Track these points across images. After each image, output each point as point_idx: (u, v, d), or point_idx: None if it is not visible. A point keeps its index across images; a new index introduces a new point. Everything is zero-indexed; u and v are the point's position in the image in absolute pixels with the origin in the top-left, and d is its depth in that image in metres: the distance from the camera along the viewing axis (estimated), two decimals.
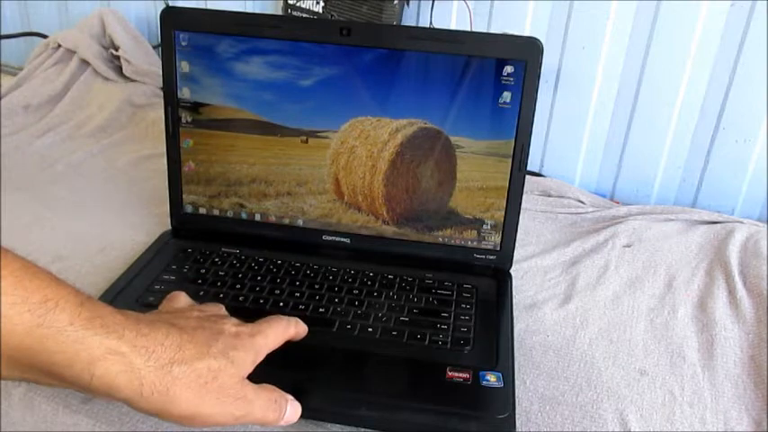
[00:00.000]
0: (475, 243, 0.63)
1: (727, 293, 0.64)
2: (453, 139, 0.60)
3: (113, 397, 0.36)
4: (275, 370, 0.48)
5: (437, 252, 0.63)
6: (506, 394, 0.48)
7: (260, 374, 0.43)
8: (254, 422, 0.41)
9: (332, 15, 0.91)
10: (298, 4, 0.93)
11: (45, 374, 0.35)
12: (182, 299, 0.49)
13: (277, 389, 0.43)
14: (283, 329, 0.47)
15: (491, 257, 0.63)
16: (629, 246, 0.72)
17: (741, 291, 0.64)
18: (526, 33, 0.85)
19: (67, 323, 0.34)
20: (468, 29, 0.86)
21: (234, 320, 0.45)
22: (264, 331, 0.45)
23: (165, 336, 0.38)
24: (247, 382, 0.41)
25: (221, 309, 0.49)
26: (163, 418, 0.38)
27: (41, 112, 0.96)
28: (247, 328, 0.44)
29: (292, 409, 0.43)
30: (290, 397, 0.43)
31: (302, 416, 0.46)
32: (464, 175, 0.61)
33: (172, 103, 0.62)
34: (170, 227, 0.67)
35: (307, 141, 0.62)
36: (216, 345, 0.40)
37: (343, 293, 0.58)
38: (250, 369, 0.42)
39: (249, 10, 1.03)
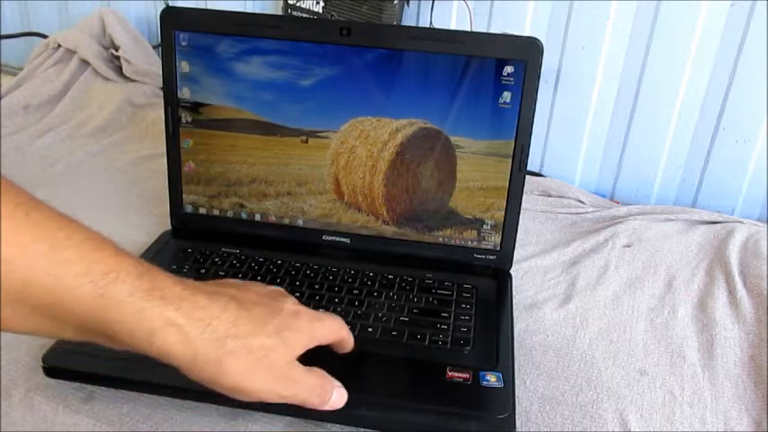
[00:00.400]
0: (475, 243, 0.63)
1: (728, 293, 0.64)
2: (453, 139, 0.60)
3: (169, 362, 0.37)
4: None
5: (437, 252, 0.63)
6: (506, 394, 0.48)
7: None
8: (298, 403, 0.41)
9: (332, 15, 0.91)
10: (298, 4, 0.93)
11: (109, 339, 0.36)
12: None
13: (326, 374, 0.43)
14: (339, 327, 0.46)
15: (491, 257, 0.63)
16: (629, 246, 0.72)
17: (741, 291, 0.64)
18: (526, 33, 0.85)
19: (128, 294, 0.35)
20: (469, 29, 0.86)
21: (294, 300, 0.45)
22: (324, 320, 0.44)
23: (222, 309, 0.38)
24: (297, 363, 0.41)
25: (281, 289, 0.48)
26: (212, 386, 0.38)
27: (41, 112, 0.96)
28: (309, 312, 0.44)
29: (338, 395, 0.43)
30: (337, 383, 0.43)
31: (302, 416, 0.46)
32: (464, 175, 0.61)
33: (172, 103, 0.62)
34: (170, 227, 0.67)
35: (307, 141, 0.62)
36: (272, 323, 0.40)
37: (343, 293, 0.58)
38: (301, 351, 0.42)
39: (249, 10, 1.03)
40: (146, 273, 0.37)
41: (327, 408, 0.43)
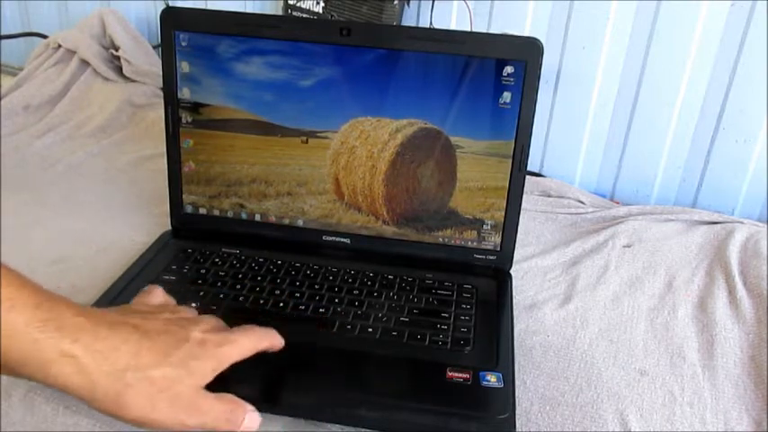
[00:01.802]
0: (475, 243, 0.63)
1: (728, 294, 0.64)
2: (453, 139, 0.60)
3: (69, 394, 0.37)
4: (274, 370, 0.48)
5: (437, 252, 0.63)
6: (506, 394, 0.48)
7: (256, 374, 0.43)
8: (206, 429, 0.41)
9: (332, 15, 0.91)
10: (298, 5, 0.93)
11: (5, 368, 0.36)
12: (158, 294, 0.49)
13: (236, 399, 0.42)
14: (256, 341, 0.46)
15: (491, 258, 0.63)
16: (629, 246, 0.72)
17: (741, 291, 0.64)
18: (526, 33, 0.85)
19: (23, 324, 0.35)
20: (469, 29, 0.86)
21: (203, 326, 0.44)
22: (234, 341, 0.44)
23: (123, 341, 0.38)
24: (204, 392, 0.41)
25: (193, 311, 0.48)
26: (115, 419, 0.38)
27: (41, 112, 0.96)
28: (216, 337, 0.43)
29: (250, 420, 0.42)
30: (249, 408, 0.43)
31: (302, 416, 0.46)
32: (464, 176, 0.61)
33: (172, 103, 0.62)
34: (170, 227, 0.67)
35: (307, 142, 0.62)
36: (176, 353, 0.40)
37: (343, 294, 0.58)
38: (210, 378, 0.41)
39: (249, 10, 1.03)
40: (44, 302, 0.37)
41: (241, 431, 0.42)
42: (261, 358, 0.50)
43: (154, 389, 0.38)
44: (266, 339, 0.47)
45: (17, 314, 0.35)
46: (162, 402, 0.39)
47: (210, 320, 0.46)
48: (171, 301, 0.50)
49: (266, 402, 0.46)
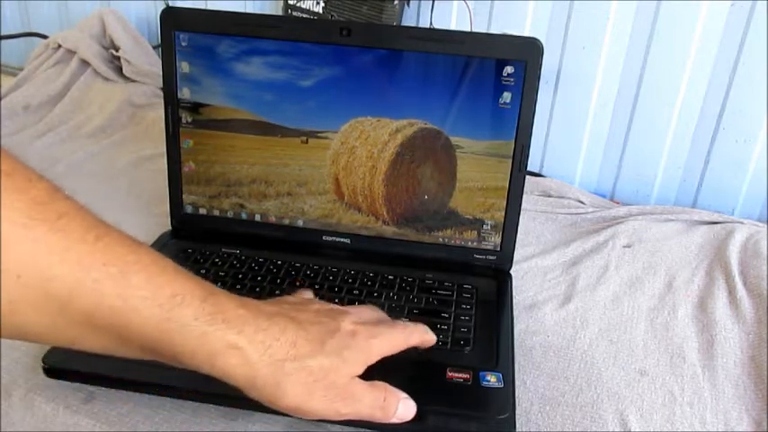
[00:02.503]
0: (475, 243, 0.63)
1: (728, 294, 0.64)
2: (453, 139, 0.60)
3: (230, 383, 0.38)
4: None
5: (437, 252, 0.63)
6: (506, 395, 0.48)
7: None
8: (362, 418, 0.42)
9: (332, 16, 0.91)
10: (298, 5, 0.93)
11: (172, 359, 0.37)
12: (308, 294, 0.50)
13: (389, 388, 0.43)
14: (404, 338, 0.46)
15: (491, 258, 0.63)
16: (629, 246, 0.72)
17: (741, 291, 0.64)
18: (526, 33, 0.85)
19: (192, 318, 0.36)
20: (469, 29, 0.86)
21: (353, 317, 0.44)
22: (383, 335, 0.44)
23: (281, 331, 0.39)
24: (357, 380, 0.41)
25: (339, 307, 0.48)
26: (272, 407, 0.39)
27: (41, 112, 0.96)
28: (366, 329, 0.44)
29: (405, 407, 0.43)
30: (403, 395, 0.43)
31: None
32: (464, 176, 0.61)
33: (172, 103, 0.62)
34: (170, 227, 0.67)
35: (307, 142, 0.62)
36: (330, 342, 0.41)
37: (343, 294, 0.58)
38: (361, 369, 0.42)
39: (249, 10, 1.03)
40: (209, 295, 0.37)
41: (395, 420, 0.43)
42: None
43: (311, 378, 0.39)
44: (417, 335, 0.47)
45: (186, 308, 0.36)
46: (318, 391, 0.39)
47: (362, 312, 0.46)
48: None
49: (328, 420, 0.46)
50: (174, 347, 0.36)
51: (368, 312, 0.47)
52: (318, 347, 0.40)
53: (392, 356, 0.51)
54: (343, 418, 0.41)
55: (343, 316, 0.44)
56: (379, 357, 0.43)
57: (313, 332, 0.41)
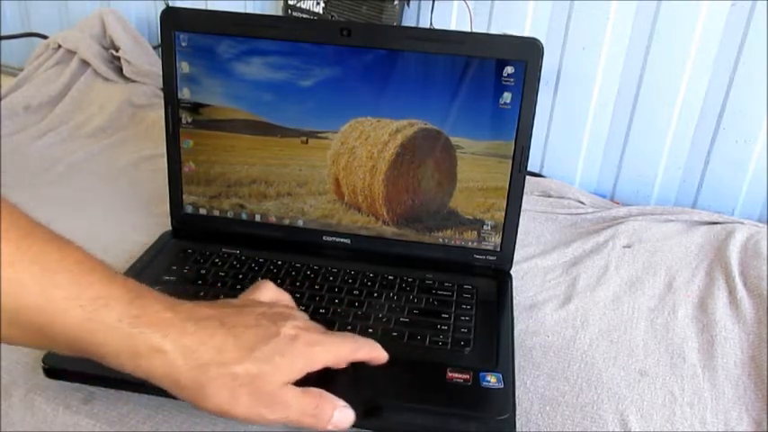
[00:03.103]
0: (475, 244, 0.63)
1: (728, 294, 0.64)
2: (453, 139, 0.60)
3: (155, 384, 0.39)
4: None
5: (437, 253, 0.63)
6: (506, 395, 0.48)
7: None
8: (292, 425, 0.42)
9: (332, 16, 0.91)
10: (298, 5, 0.93)
11: (97, 358, 0.38)
12: (268, 288, 0.49)
13: (325, 395, 0.42)
14: (351, 350, 0.45)
15: (491, 258, 0.63)
16: (629, 246, 0.72)
17: (741, 291, 0.64)
18: (526, 34, 0.85)
19: (116, 320, 0.37)
20: (469, 29, 0.86)
21: (297, 322, 0.44)
22: (328, 344, 0.44)
23: (209, 336, 0.39)
24: (289, 387, 0.41)
25: (300, 313, 0.48)
26: (198, 408, 0.39)
27: (42, 112, 0.96)
28: (309, 335, 0.43)
29: (342, 415, 0.43)
30: (340, 403, 0.43)
31: None
32: (464, 176, 0.61)
33: (172, 103, 0.62)
34: (170, 227, 0.67)
35: (307, 142, 0.62)
36: (262, 349, 0.41)
37: (343, 294, 0.58)
38: (298, 375, 0.42)
39: (249, 10, 1.03)
40: (136, 298, 0.38)
41: (330, 428, 0.42)
42: None
43: (236, 383, 0.39)
44: (365, 350, 0.46)
45: (110, 309, 0.37)
46: (243, 396, 0.39)
47: (304, 317, 0.46)
48: (283, 296, 0.50)
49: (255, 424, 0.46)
50: (98, 347, 0.37)
51: (313, 322, 0.47)
52: (246, 354, 0.40)
53: (392, 357, 0.51)
54: (270, 424, 0.41)
55: (286, 320, 0.43)
56: (322, 365, 0.43)
57: (244, 338, 0.41)
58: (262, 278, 0.59)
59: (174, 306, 0.40)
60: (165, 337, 0.38)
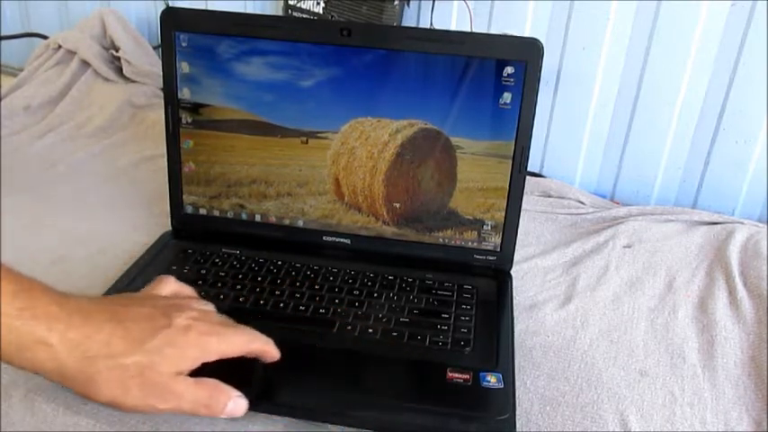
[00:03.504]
0: (475, 244, 0.63)
1: (728, 294, 0.64)
2: (453, 139, 0.60)
3: (40, 375, 0.40)
4: (275, 371, 0.48)
5: (437, 253, 0.63)
6: (507, 395, 0.48)
7: (257, 375, 0.43)
8: (184, 413, 0.42)
9: (332, 16, 0.91)
10: (298, 5, 0.93)
11: None
12: (169, 283, 0.49)
13: (219, 385, 0.43)
14: (246, 341, 0.46)
15: (491, 258, 0.63)
16: (629, 246, 0.72)
17: (741, 291, 0.64)
18: (526, 34, 0.85)
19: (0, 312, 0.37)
20: (469, 29, 0.86)
21: (191, 313, 0.44)
22: (222, 334, 0.44)
23: (96, 330, 0.40)
24: (181, 377, 0.42)
25: (204, 303, 0.48)
26: (88, 400, 0.40)
27: (42, 112, 0.96)
28: (203, 326, 0.44)
29: (235, 405, 0.43)
30: (235, 393, 0.43)
31: (302, 416, 0.46)
32: (464, 176, 0.61)
33: (172, 103, 0.63)
34: (170, 227, 0.67)
35: (307, 142, 0.62)
36: (152, 340, 0.41)
37: (343, 294, 0.58)
38: (190, 365, 0.42)
39: (249, 11, 1.03)
40: (22, 291, 0.39)
41: (225, 416, 0.43)
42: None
43: (126, 375, 0.40)
44: (259, 343, 0.47)
45: None
46: (133, 387, 0.40)
47: (205, 310, 0.46)
48: (185, 290, 0.50)
49: (267, 403, 0.46)
50: None
51: (211, 312, 0.47)
52: (136, 345, 0.41)
53: (392, 357, 0.51)
54: (163, 413, 0.41)
55: (180, 312, 0.44)
56: (218, 356, 0.44)
57: (134, 330, 0.41)
58: (262, 278, 0.59)
59: (62, 300, 0.40)
60: (50, 330, 0.38)
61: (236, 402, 0.43)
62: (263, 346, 0.47)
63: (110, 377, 0.40)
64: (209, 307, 0.49)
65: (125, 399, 0.40)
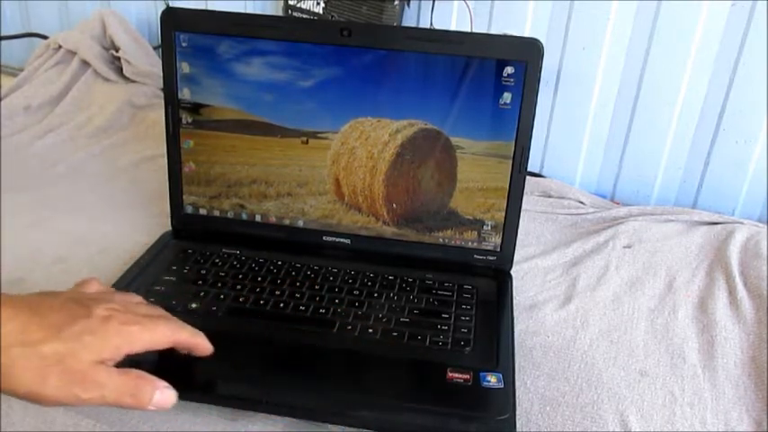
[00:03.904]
0: (475, 244, 0.63)
1: (728, 294, 0.64)
2: (453, 139, 0.60)
3: None
4: (275, 370, 0.48)
5: (437, 253, 0.63)
6: (507, 395, 0.48)
7: (257, 375, 0.43)
8: (109, 404, 0.41)
9: (332, 16, 0.91)
10: (298, 5, 0.93)
11: None
12: (92, 285, 0.48)
13: (144, 375, 0.42)
14: (172, 331, 0.45)
15: (491, 258, 0.63)
16: (629, 246, 0.72)
17: (741, 291, 0.64)
18: (526, 34, 0.85)
19: None
20: (469, 29, 0.86)
21: (111, 304, 0.44)
22: (145, 324, 0.43)
23: (10, 318, 0.39)
24: (103, 366, 0.40)
25: (132, 296, 0.48)
26: (9, 395, 0.39)
27: (42, 112, 0.96)
28: (124, 316, 0.43)
29: (162, 396, 0.42)
30: (161, 384, 0.42)
31: (302, 416, 0.46)
32: (464, 176, 0.61)
33: (172, 103, 0.63)
34: (170, 227, 0.67)
35: (307, 142, 0.62)
36: (70, 328, 0.40)
37: (343, 294, 0.58)
38: (113, 355, 0.41)
39: (249, 10, 1.03)
40: None
41: (152, 408, 0.42)
42: (261, 357, 0.50)
43: (43, 363, 0.39)
44: (186, 334, 0.46)
45: None
46: (52, 377, 0.39)
47: (129, 302, 0.46)
48: (108, 291, 0.49)
49: (267, 403, 0.46)
50: None
51: (142, 306, 0.46)
52: (53, 333, 0.40)
53: (392, 357, 0.51)
54: (84, 404, 0.40)
55: (100, 303, 0.43)
56: (143, 346, 0.43)
57: (51, 318, 0.40)
58: (262, 279, 0.59)
59: None
60: None
61: (164, 393, 0.42)
62: (191, 338, 0.46)
63: (27, 366, 0.38)
64: (136, 299, 0.48)
65: (44, 389, 0.39)
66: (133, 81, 1.01)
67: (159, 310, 0.47)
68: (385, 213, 0.63)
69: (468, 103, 0.59)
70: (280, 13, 0.98)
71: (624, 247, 0.72)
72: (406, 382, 0.49)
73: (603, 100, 0.85)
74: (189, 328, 0.46)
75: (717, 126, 0.80)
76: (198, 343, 0.46)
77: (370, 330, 0.53)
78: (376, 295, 0.58)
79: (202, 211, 0.66)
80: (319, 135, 0.62)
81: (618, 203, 0.84)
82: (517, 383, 0.50)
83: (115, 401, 0.41)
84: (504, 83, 0.58)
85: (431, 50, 0.58)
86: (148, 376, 0.42)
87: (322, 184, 0.63)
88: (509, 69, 0.57)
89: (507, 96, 0.58)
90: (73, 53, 1.02)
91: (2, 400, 0.47)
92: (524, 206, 0.62)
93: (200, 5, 1.05)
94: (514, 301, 0.61)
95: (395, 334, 0.53)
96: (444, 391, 0.48)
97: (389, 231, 0.64)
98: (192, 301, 0.55)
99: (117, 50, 1.02)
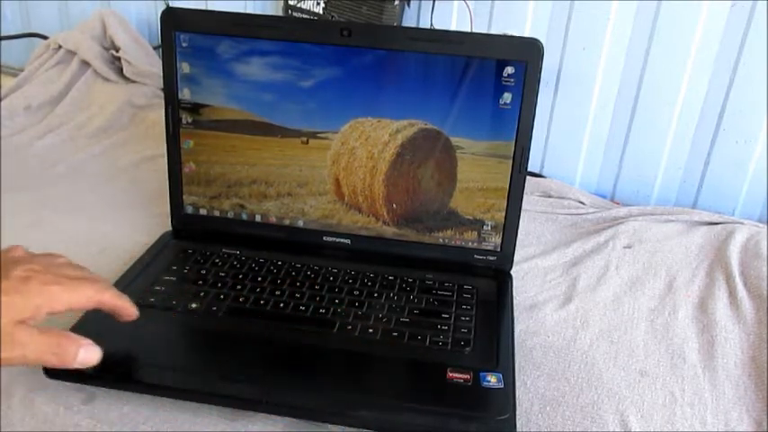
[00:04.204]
0: (475, 244, 0.63)
1: (728, 294, 0.64)
2: (454, 139, 0.60)
3: None
4: (275, 370, 0.48)
5: (437, 253, 0.63)
6: (507, 395, 0.48)
7: (257, 374, 0.43)
8: (32, 363, 0.41)
9: (332, 16, 0.91)
10: (298, 5, 0.93)
11: None
12: (16, 251, 0.47)
13: (66, 333, 0.42)
14: (94, 291, 0.45)
15: (491, 258, 0.63)
16: (629, 247, 0.72)
17: (742, 292, 0.64)
18: (526, 34, 0.85)
19: None
20: (469, 29, 0.86)
21: (31, 265, 0.43)
22: (68, 284, 0.43)
23: None
24: (23, 326, 0.40)
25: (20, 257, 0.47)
26: None
27: (42, 112, 0.96)
28: (45, 276, 0.43)
29: (87, 352, 0.42)
30: (85, 341, 0.43)
31: (302, 416, 0.46)
32: (464, 176, 0.61)
33: (172, 103, 0.63)
34: (170, 227, 0.67)
35: (307, 142, 0.62)
36: None
37: (343, 294, 0.58)
38: (34, 314, 0.41)
39: (250, 11, 1.03)
40: None
41: (78, 365, 0.42)
42: (261, 357, 0.50)
43: None
44: (109, 294, 0.46)
45: None
46: None
47: (51, 263, 0.45)
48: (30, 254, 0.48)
49: (267, 403, 0.46)
50: None
51: (66, 266, 0.46)
52: None
53: (392, 357, 0.51)
54: (7, 363, 0.40)
55: (18, 264, 0.43)
56: (66, 305, 0.43)
57: None
58: (262, 279, 0.59)
59: None
60: None
61: (88, 350, 0.42)
62: (115, 299, 0.46)
63: None
64: (60, 260, 0.47)
65: None
66: (133, 81, 1.01)
67: (85, 271, 0.47)
68: (385, 213, 0.63)
69: (469, 103, 0.59)
70: (280, 13, 0.98)
71: (624, 248, 0.72)
72: (406, 382, 0.49)
73: (603, 100, 0.85)
74: (113, 289, 0.46)
75: (717, 126, 0.80)
76: (121, 305, 0.46)
77: (371, 330, 0.53)
78: (376, 295, 0.58)
79: (202, 212, 0.66)
80: (319, 135, 0.62)
81: (618, 203, 0.84)
82: (517, 383, 0.50)
83: (37, 360, 0.41)
84: (504, 83, 0.58)
85: (431, 50, 0.58)
86: (71, 334, 0.42)
87: (322, 184, 0.63)
88: (509, 69, 0.57)
89: (507, 96, 0.58)
90: (73, 53, 1.02)
91: (2, 399, 0.47)
92: (524, 206, 0.62)
93: (200, 5, 1.05)
94: (514, 302, 0.61)
95: (395, 334, 0.53)
96: (444, 391, 0.48)
97: (389, 231, 0.64)
98: (193, 301, 0.55)
99: (117, 50, 1.02)
